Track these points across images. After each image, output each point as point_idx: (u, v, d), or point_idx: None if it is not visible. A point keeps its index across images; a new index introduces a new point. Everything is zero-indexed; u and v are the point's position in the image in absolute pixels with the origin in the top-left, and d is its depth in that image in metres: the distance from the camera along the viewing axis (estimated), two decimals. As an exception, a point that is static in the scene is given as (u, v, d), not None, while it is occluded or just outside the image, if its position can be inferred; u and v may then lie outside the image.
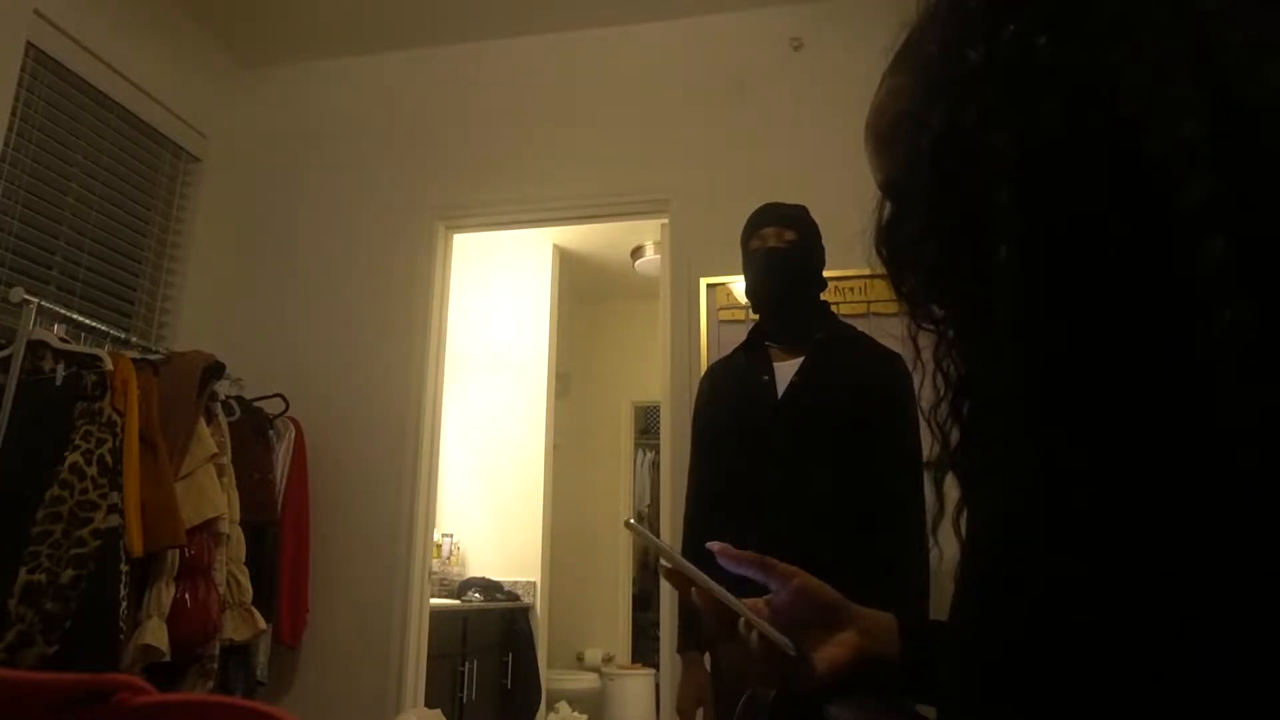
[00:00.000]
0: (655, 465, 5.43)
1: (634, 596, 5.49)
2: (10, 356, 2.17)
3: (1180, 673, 0.39)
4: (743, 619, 0.63)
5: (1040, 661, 0.43)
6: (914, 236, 0.53)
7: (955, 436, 0.51)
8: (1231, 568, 0.38)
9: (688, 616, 1.88)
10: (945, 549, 0.55)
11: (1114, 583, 0.41)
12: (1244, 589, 0.38)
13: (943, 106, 0.50)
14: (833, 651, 0.66)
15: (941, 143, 0.50)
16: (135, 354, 2.44)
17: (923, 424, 0.57)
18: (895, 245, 0.55)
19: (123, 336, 2.56)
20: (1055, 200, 0.44)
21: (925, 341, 0.54)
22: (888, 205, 0.57)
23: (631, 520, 0.71)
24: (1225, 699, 0.38)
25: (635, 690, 4.78)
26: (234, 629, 2.41)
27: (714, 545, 0.70)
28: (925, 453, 0.55)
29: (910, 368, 0.55)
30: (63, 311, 2.39)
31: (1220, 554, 0.39)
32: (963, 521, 0.51)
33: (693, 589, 0.66)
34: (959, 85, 0.49)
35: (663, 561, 0.68)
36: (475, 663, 3.53)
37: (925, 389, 0.53)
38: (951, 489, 0.52)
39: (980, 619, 0.48)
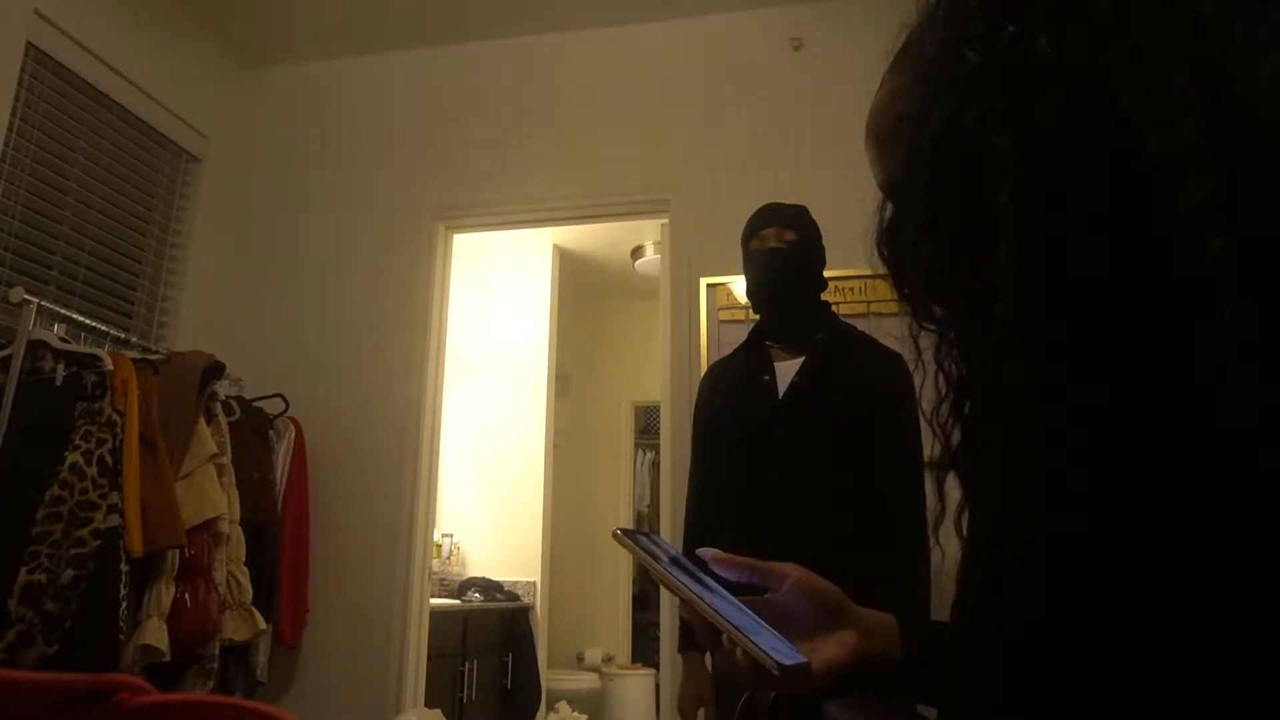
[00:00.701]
0: (655, 465, 5.43)
1: (634, 596, 5.49)
2: (10, 356, 2.17)
3: (1182, 674, 0.39)
4: (725, 635, 0.62)
5: (1042, 663, 0.43)
6: (915, 237, 0.53)
7: (957, 437, 0.51)
8: (1233, 569, 0.38)
9: (688, 616, 1.88)
10: (946, 549, 0.55)
11: (1115, 584, 0.41)
12: (1246, 590, 0.38)
13: (942, 107, 0.50)
14: (832, 651, 0.65)
15: (941, 144, 0.50)
16: (135, 354, 2.44)
17: (924, 424, 0.57)
18: (896, 246, 0.55)
19: (123, 336, 2.56)
20: (1055, 200, 0.44)
21: (926, 342, 0.54)
22: (889, 206, 0.57)
23: (618, 531, 0.68)
24: (1227, 700, 0.38)
25: (635, 690, 4.78)
26: (234, 629, 2.41)
27: (705, 552, 0.69)
28: (926, 453, 0.55)
29: (911, 368, 0.55)
30: (63, 311, 2.39)
31: (1222, 555, 0.38)
32: (964, 522, 0.51)
33: (678, 602, 0.66)
34: (959, 86, 0.49)
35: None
36: (475, 663, 3.53)
37: (927, 389, 0.53)
38: (953, 489, 0.52)
39: (981, 620, 0.48)
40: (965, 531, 0.50)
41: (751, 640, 0.60)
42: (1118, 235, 0.42)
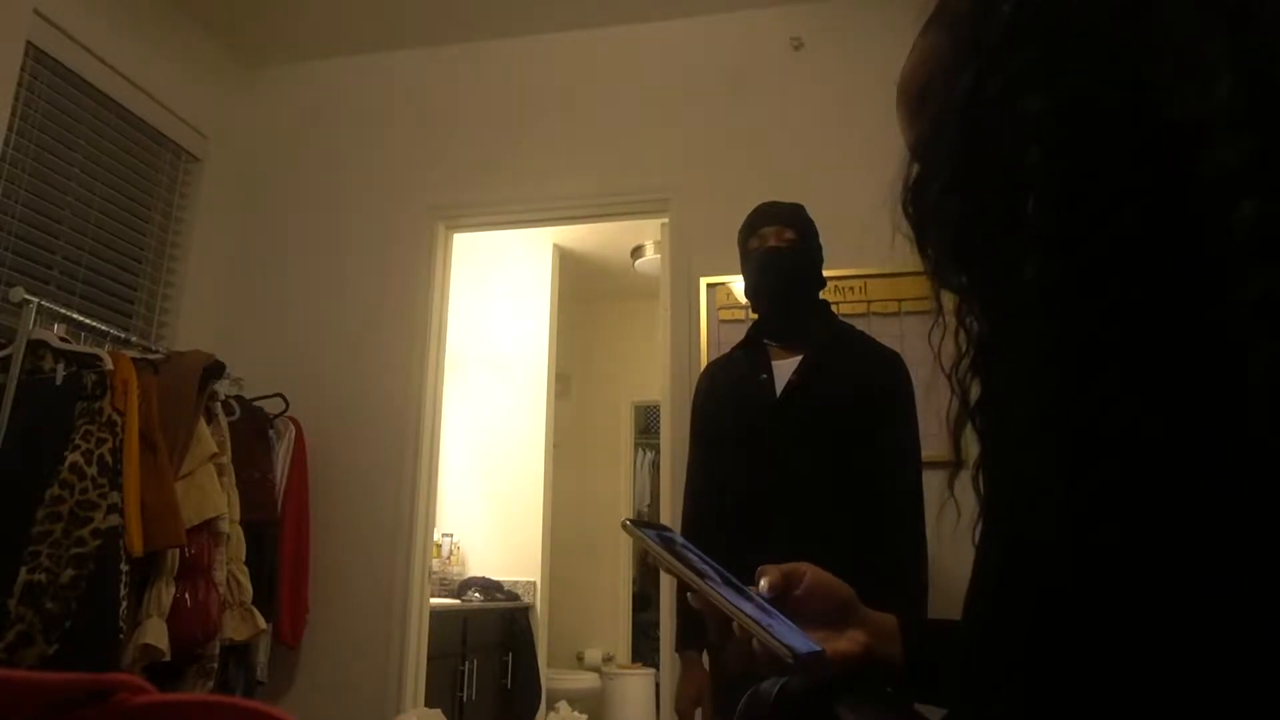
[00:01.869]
0: (655, 465, 5.44)
1: (634, 596, 5.49)
2: (10, 356, 2.17)
3: (1199, 672, 0.38)
4: (736, 624, 0.62)
5: (1053, 656, 0.42)
6: (940, 196, 0.52)
7: (975, 393, 0.51)
8: (1260, 560, 0.37)
9: (687, 616, 1.88)
10: (963, 504, 0.54)
11: (1135, 565, 0.40)
12: (1272, 584, 0.37)
13: (973, 68, 0.49)
14: (844, 645, 0.66)
15: (972, 104, 0.49)
16: (135, 354, 2.44)
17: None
18: (921, 205, 0.55)
19: (123, 336, 2.56)
20: (1084, 162, 0.44)
21: (947, 301, 0.53)
22: (915, 166, 0.56)
23: (628, 521, 0.70)
24: (1245, 704, 0.37)
25: (635, 690, 4.78)
26: (234, 629, 2.41)
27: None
28: (931, 438, 0.54)
29: (930, 328, 0.54)
30: (63, 311, 2.39)
31: (1248, 544, 0.37)
32: (980, 480, 0.51)
33: (689, 593, 0.66)
34: (990, 46, 0.49)
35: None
36: (475, 663, 3.53)
37: (946, 345, 0.53)
38: (970, 445, 0.51)
39: (995, 605, 0.48)
40: (981, 490, 0.50)
41: (765, 629, 0.61)
42: (1147, 199, 0.42)
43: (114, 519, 2.06)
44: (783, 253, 1.87)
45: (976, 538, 0.50)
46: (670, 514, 2.71)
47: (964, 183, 0.51)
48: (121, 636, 2.03)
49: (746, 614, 0.62)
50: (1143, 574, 0.40)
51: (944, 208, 0.52)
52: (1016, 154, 0.45)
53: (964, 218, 0.51)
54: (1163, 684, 0.39)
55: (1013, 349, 0.48)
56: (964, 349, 0.52)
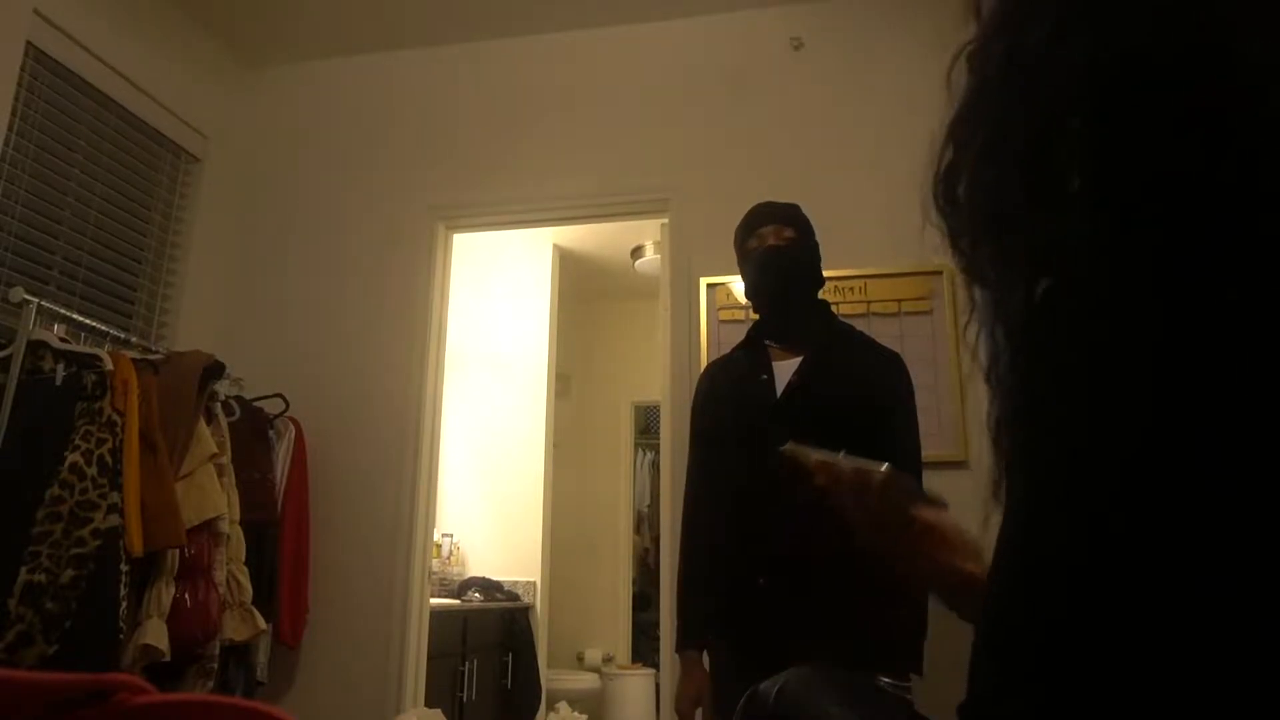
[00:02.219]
0: (655, 465, 5.43)
1: (634, 596, 5.49)
2: (10, 356, 2.17)
3: (1215, 663, 0.38)
4: (841, 453, 0.90)
5: (1072, 642, 0.42)
6: (976, 166, 0.50)
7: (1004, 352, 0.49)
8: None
9: (686, 615, 1.88)
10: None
11: (1152, 544, 0.39)
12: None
13: (1014, 26, 0.48)
14: (971, 567, 0.73)
15: (1010, 63, 0.47)
16: (135, 354, 2.44)
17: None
18: (954, 184, 0.52)
19: (123, 336, 2.56)
20: (1133, 113, 0.42)
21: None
22: (949, 148, 0.53)
23: (789, 446, 0.94)
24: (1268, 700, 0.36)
25: (635, 690, 4.78)
26: (234, 629, 2.41)
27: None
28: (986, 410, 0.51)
29: (967, 322, 0.52)
30: (63, 311, 2.39)
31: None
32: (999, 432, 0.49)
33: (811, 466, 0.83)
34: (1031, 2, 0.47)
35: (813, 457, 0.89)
36: (475, 663, 3.53)
37: (974, 328, 0.51)
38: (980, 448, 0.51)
39: (1019, 580, 0.47)
40: (994, 434, 0.49)
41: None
42: (1205, 137, 0.40)
43: (114, 519, 2.06)
44: (783, 251, 1.87)
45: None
46: (670, 514, 2.71)
47: (1001, 146, 0.48)
48: (121, 637, 2.03)
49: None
50: (1164, 560, 0.39)
51: (980, 179, 0.49)
52: (1057, 108, 0.43)
53: (1000, 186, 0.48)
54: (1181, 677, 0.39)
55: (1045, 331, 0.46)
56: (1000, 344, 0.50)
